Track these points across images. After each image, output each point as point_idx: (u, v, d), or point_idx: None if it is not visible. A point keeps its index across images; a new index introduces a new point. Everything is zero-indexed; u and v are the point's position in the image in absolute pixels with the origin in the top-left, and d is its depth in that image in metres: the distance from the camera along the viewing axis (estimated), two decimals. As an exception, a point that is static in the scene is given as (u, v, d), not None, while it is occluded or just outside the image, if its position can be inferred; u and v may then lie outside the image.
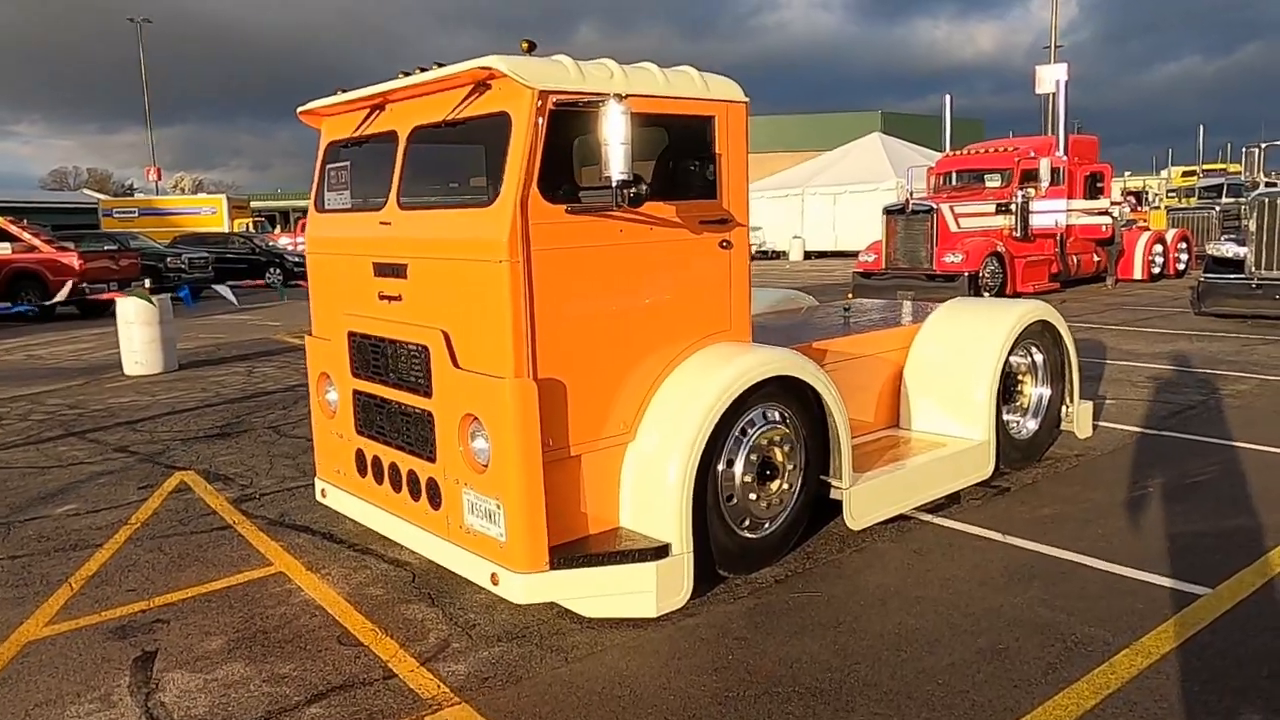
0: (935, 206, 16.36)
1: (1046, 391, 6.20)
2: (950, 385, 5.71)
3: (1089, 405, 6.50)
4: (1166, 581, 4.22)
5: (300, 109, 4.97)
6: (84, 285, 19.33)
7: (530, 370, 3.76)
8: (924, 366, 5.85)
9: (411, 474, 4.37)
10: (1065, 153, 17.72)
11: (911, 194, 18.82)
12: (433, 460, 4.18)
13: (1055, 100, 17.96)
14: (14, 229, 20.39)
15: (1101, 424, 7.22)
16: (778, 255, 37.07)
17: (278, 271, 28.86)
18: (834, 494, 4.71)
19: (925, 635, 3.79)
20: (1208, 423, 7.17)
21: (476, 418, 3.87)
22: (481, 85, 3.90)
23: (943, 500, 5.46)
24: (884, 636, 3.80)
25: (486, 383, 3.79)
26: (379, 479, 4.65)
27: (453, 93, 4.05)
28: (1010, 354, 5.85)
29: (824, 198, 36.01)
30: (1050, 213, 17.11)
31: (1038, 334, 6.05)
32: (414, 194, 4.32)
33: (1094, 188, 18.27)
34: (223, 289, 16.61)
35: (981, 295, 15.97)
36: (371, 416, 4.63)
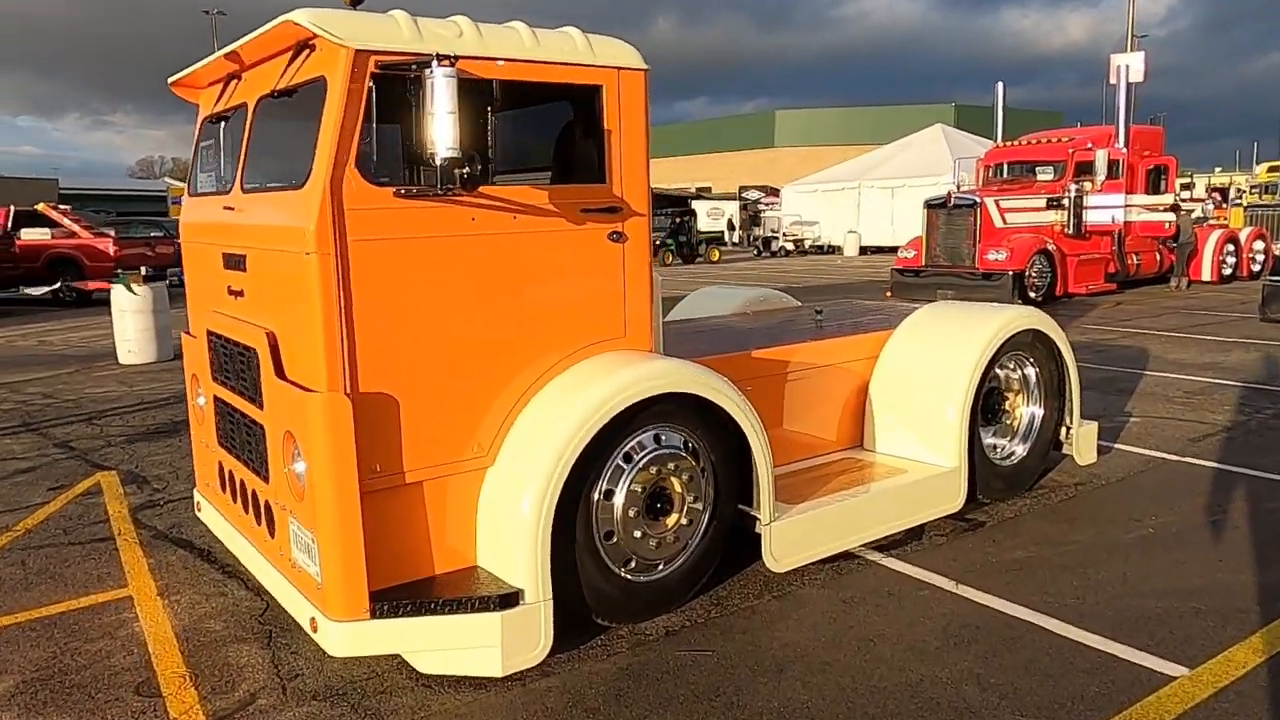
0: (979, 200, 15.33)
1: (1038, 411, 5.40)
2: (918, 402, 4.96)
3: (1093, 427, 5.67)
4: (1136, 656, 3.45)
5: (172, 80, 4.46)
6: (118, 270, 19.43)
7: (347, 383, 3.18)
8: (891, 380, 5.11)
9: (254, 495, 3.84)
10: (1126, 144, 16.48)
11: (959, 186, 17.79)
12: (267, 481, 3.64)
13: (1118, 88, 16.71)
14: (54, 215, 20.64)
15: (1118, 446, 6.36)
16: (833, 250, 35.97)
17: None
18: (758, 528, 4.03)
19: (813, 718, 3.11)
20: (1244, 449, 6.25)
21: (295, 436, 3.31)
22: (306, 46, 3.32)
23: (902, 535, 4.73)
24: (763, 717, 3.12)
25: (299, 397, 3.22)
26: (234, 496, 4.13)
27: (282, 57, 3.49)
28: (992, 368, 5.08)
29: (881, 191, 34.76)
30: (1107, 208, 15.93)
31: (1027, 345, 5.25)
32: (255, 176, 3.77)
33: (1157, 182, 16.98)
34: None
35: (1028, 296, 14.96)
36: (226, 426, 4.11)
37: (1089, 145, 16.07)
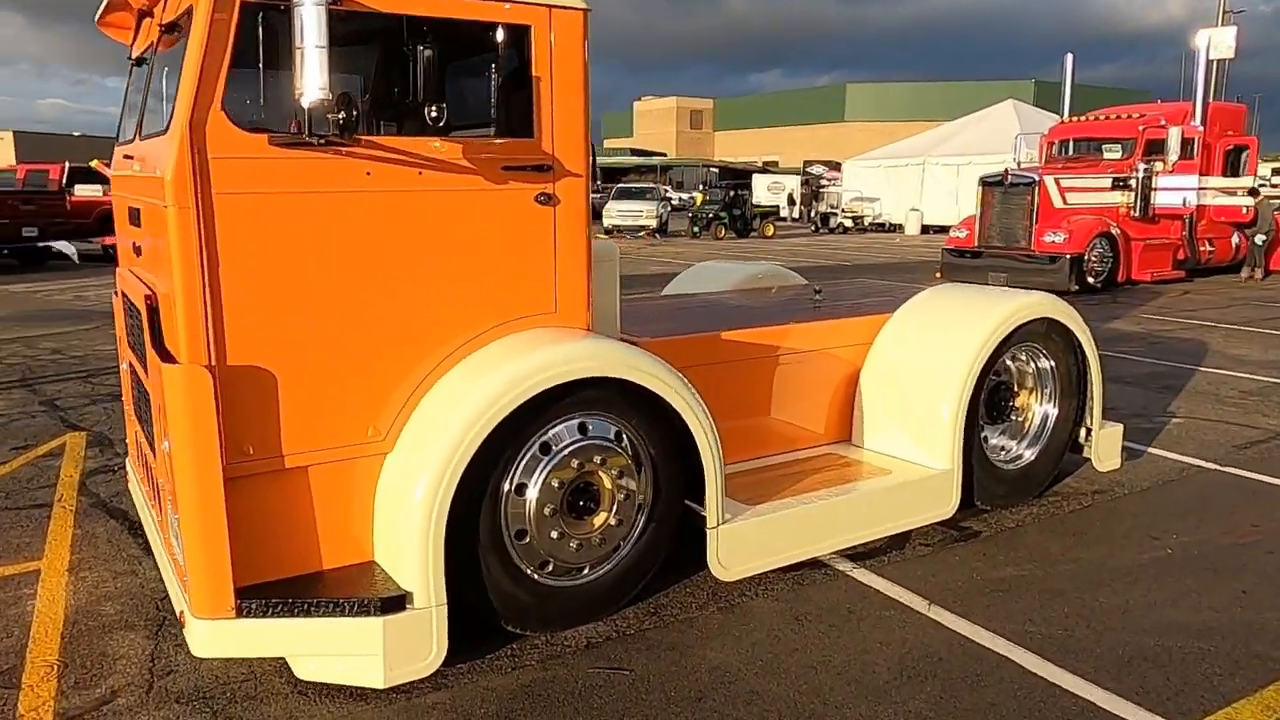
0: (1037, 178, 14.46)
1: (1052, 410, 4.83)
2: (909, 396, 4.45)
3: (1117, 429, 5.08)
4: (1118, 705, 2.95)
5: (97, 18, 4.13)
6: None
7: (211, 354, 2.82)
8: (884, 369, 4.60)
9: (151, 470, 3.54)
10: (1203, 122, 15.38)
11: (1019, 164, 16.88)
12: (156, 456, 3.32)
13: (1196, 62, 15.58)
14: (108, 171, 20.84)
15: (1151, 450, 5.75)
16: (894, 228, 34.88)
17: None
18: (706, 530, 3.60)
19: (721, 760, 2.69)
20: (1293, 459, 5.60)
21: (165, 410, 2.97)
22: (184, -28, 2.94)
23: (883, 542, 4.25)
24: (662, 756, 2.71)
25: (161, 368, 2.87)
26: (143, 470, 3.84)
27: (170, -15, 3.12)
28: (998, 360, 4.54)
29: (947, 168, 33.48)
30: (1178, 190, 14.91)
31: (1041, 336, 4.68)
32: (154, 122, 3.42)
33: (1236, 164, 15.85)
34: None
35: (1086, 281, 14.11)
36: (135, 394, 3.81)
37: (1162, 122, 15.03)
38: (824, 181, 41.94)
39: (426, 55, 3.05)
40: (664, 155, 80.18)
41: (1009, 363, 4.78)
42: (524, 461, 3.21)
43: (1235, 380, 7.86)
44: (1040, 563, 4.07)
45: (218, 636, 2.89)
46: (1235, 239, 16.22)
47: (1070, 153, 16.27)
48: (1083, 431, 4.97)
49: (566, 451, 3.27)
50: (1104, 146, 15.42)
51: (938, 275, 16.06)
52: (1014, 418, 4.83)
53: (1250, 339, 10.01)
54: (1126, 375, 8.03)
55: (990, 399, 4.69)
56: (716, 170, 60.23)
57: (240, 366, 2.87)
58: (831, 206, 36.92)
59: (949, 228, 17.01)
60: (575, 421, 3.30)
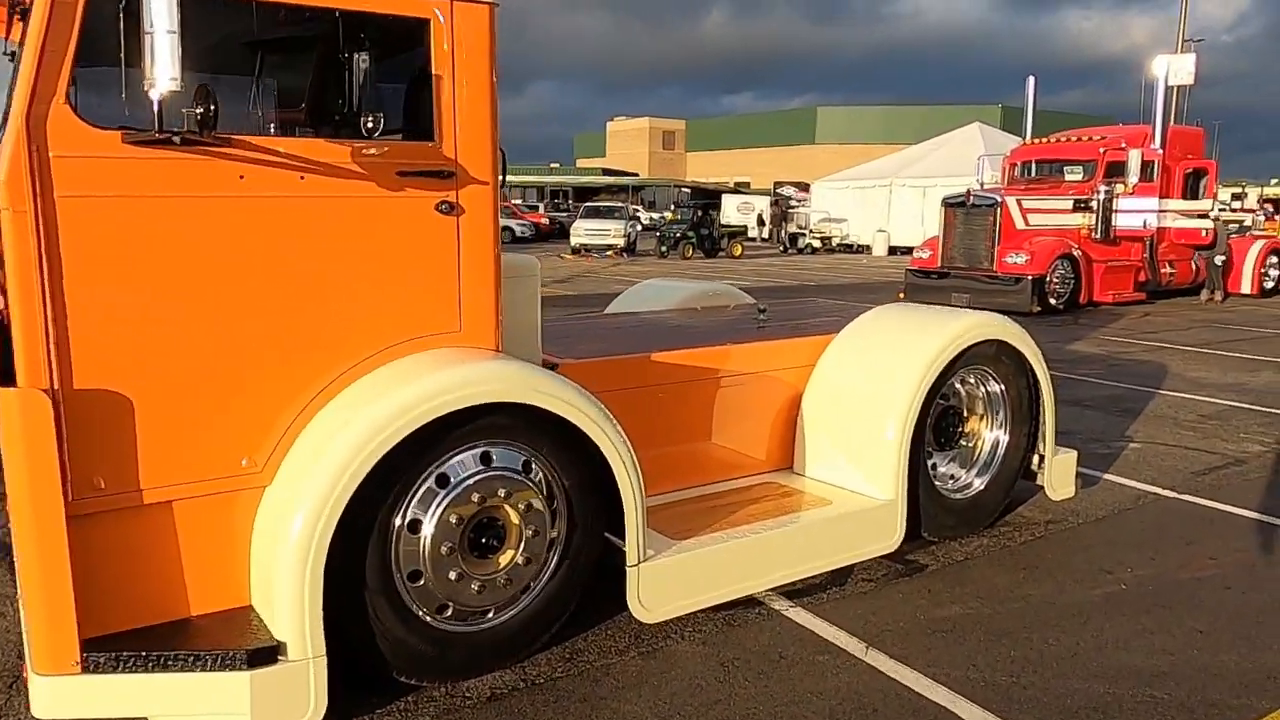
0: (999, 200, 14.39)
1: (1003, 437, 4.61)
2: (852, 421, 4.21)
3: (1070, 456, 4.87)
4: (1064, 764, 2.70)
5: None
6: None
7: (53, 375, 2.51)
8: (826, 393, 4.36)
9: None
10: (1163, 145, 15.43)
11: (983, 185, 16.85)
12: (11, 490, 2.99)
13: (1156, 87, 15.62)
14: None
15: (1108, 477, 5.55)
16: (862, 249, 34.95)
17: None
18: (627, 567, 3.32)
19: (620, 834, 2.40)
20: (1255, 488, 5.41)
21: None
22: (33, -48, 2.65)
23: (824, 577, 3.99)
24: (556, 829, 2.42)
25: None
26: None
27: (23, -32, 2.82)
28: (945, 383, 4.31)
29: (914, 190, 33.64)
30: (1139, 212, 14.91)
31: (990, 359, 4.47)
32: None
33: (1195, 187, 15.91)
34: None
35: (1048, 303, 14.03)
36: None
37: (1122, 145, 15.04)
38: (793, 202, 42.07)
39: (314, 50, 2.78)
40: (636, 175, 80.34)
41: (958, 386, 4.56)
42: (418, 495, 2.91)
43: (1194, 404, 7.71)
44: (987, 600, 3.82)
45: (61, 696, 2.57)
46: (1196, 261, 16.25)
47: (1032, 174, 16.25)
48: (1035, 458, 4.75)
49: (467, 484, 2.98)
50: (1065, 168, 15.41)
51: (901, 295, 15.95)
52: (963, 444, 4.60)
53: (1209, 361, 9.91)
54: (1086, 398, 7.86)
55: (938, 424, 4.46)
56: (689, 190, 60.35)
57: (89, 390, 2.56)
58: (800, 227, 36.94)
59: (915, 249, 16.92)
60: (477, 451, 3.01)
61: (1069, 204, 14.84)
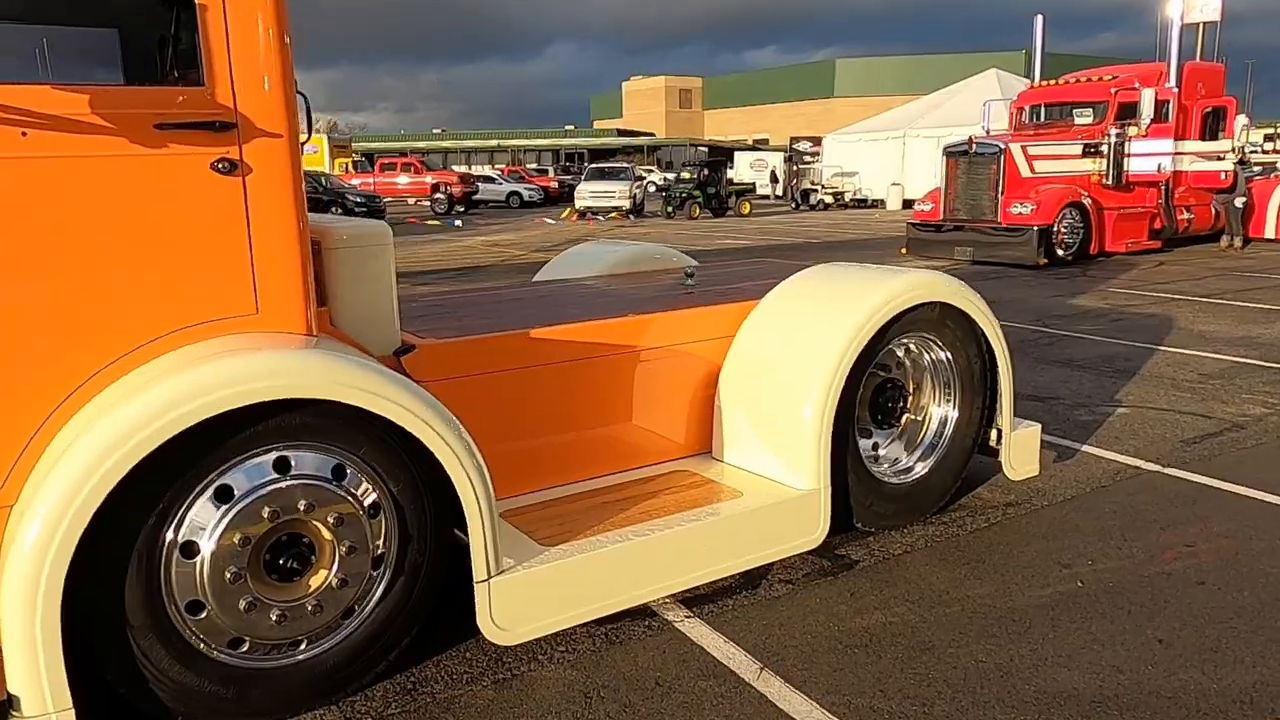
0: (1003, 146, 13.65)
1: (952, 412, 4.07)
2: (770, 399, 3.69)
3: (1033, 431, 4.32)
4: (963, 827, 2.20)
5: None
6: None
7: None
8: (743, 367, 3.84)
9: None
10: (1179, 83, 14.55)
11: (989, 132, 16.05)
12: None
13: (1171, 21, 14.68)
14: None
15: (1086, 448, 5.00)
16: (876, 204, 34.04)
17: (338, 210, 28.25)
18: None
19: None
20: (1251, 459, 4.84)
21: None
22: None
23: (737, 579, 3.51)
24: None
25: None
26: None
27: None
28: (877, 352, 3.77)
29: (927, 141, 32.53)
30: (1152, 155, 14.09)
31: (934, 324, 3.91)
32: None
33: (1214, 127, 15.02)
34: None
35: (1055, 254, 13.33)
36: None
37: (1135, 84, 14.19)
38: (807, 158, 41.11)
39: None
40: (652, 135, 79.27)
41: (901, 355, 4.02)
42: (190, 512, 2.44)
43: (1198, 361, 7.09)
44: (918, 604, 3.32)
45: None
46: (1216, 205, 15.41)
47: (1041, 119, 15.44)
48: (993, 433, 4.21)
49: (255, 497, 2.51)
50: (1074, 111, 14.59)
51: (904, 251, 15.30)
52: (906, 422, 4.07)
53: (1221, 313, 9.24)
54: (1079, 357, 7.27)
55: (874, 400, 3.93)
56: (706, 149, 59.37)
57: None
58: (812, 183, 36.05)
59: (916, 201, 16.19)
60: (269, 457, 2.53)
61: (1078, 149, 14.06)
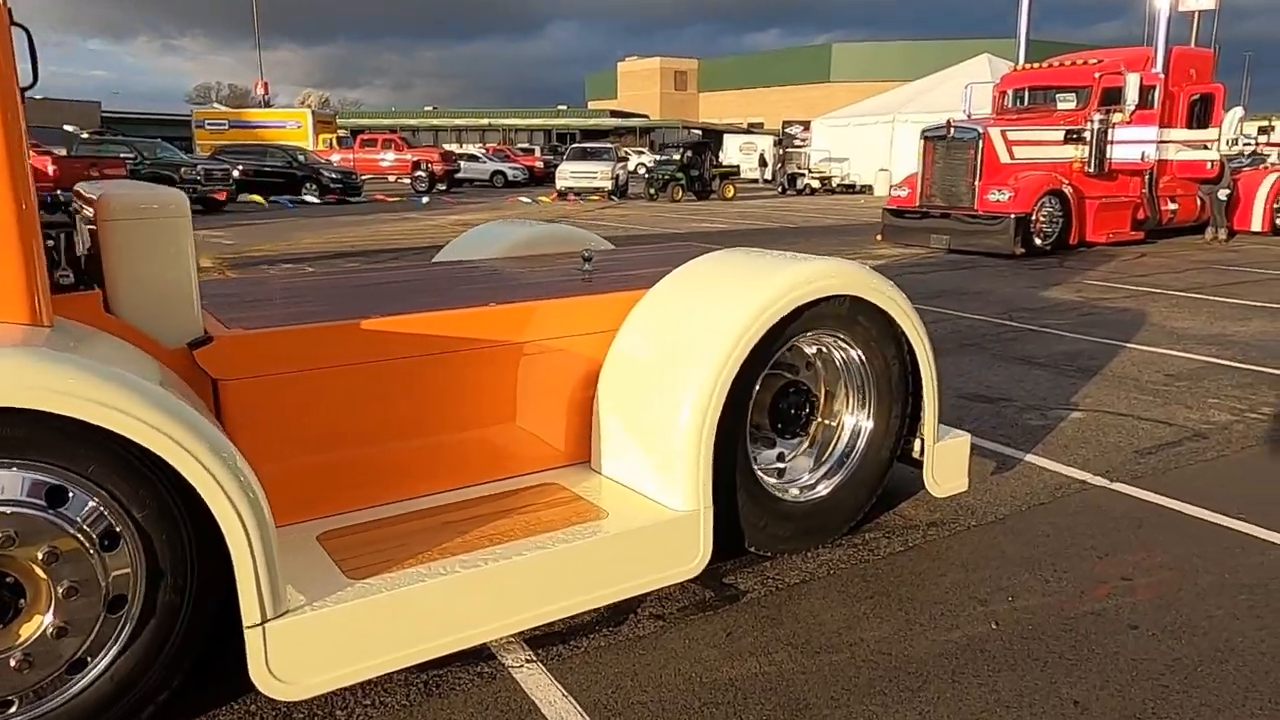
0: (981, 130, 13.13)
1: (865, 421, 3.59)
2: (648, 404, 3.20)
3: (962, 441, 3.84)
4: None
5: None
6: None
7: None
8: (623, 365, 3.35)
9: None
10: (1166, 69, 14.03)
11: (970, 116, 15.53)
12: None
13: (1157, 6, 14.12)
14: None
15: (1030, 458, 4.53)
16: (865, 190, 33.50)
17: (314, 186, 27.59)
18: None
19: None
20: (1207, 472, 4.38)
21: None
22: None
23: (603, 612, 3.03)
24: None
25: None
26: None
27: None
28: (775, 352, 3.28)
29: (916, 126, 31.69)
30: (1136, 143, 13.60)
31: (842, 320, 3.42)
32: None
33: (1203, 114, 14.53)
34: None
35: (1033, 243, 12.85)
36: None
37: (1121, 69, 13.67)
38: (797, 142, 40.56)
39: None
40: (646, 117, 78.45)
41: (812, 355, 3.54)
42: None
43: (1165, 360, 6.62)
44: (803, 649, 2.84)
45: None
46: (1201, 196, 14.94)
47: (1025, 103, 14.93)
48: (916, 444, 3.73)
49: (-65, 528, 2.01)
50: (1057, 96, 14.07)
51: (878, 238, 14.82)
52: (817, 430, 3.59)
53: (1197, 308, 8.77)
54: (1039, 355, 6.79)
55: (777, 406, 3.45)
56: (700, 132, 58.73)
57: None
58: (799, 167, 35.48)
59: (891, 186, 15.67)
60: (-49, 480, 2.03)
61: (1059, 135, 13.56)
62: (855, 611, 3.06)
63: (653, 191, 28.71)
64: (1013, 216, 12.62)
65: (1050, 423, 5.13)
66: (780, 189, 35.07)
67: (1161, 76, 13.88)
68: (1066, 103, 13.90)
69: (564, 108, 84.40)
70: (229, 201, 23.32)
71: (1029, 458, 4.55)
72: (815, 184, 33.97)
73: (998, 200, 12.82)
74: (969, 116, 15.34)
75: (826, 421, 3.63)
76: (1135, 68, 13.70)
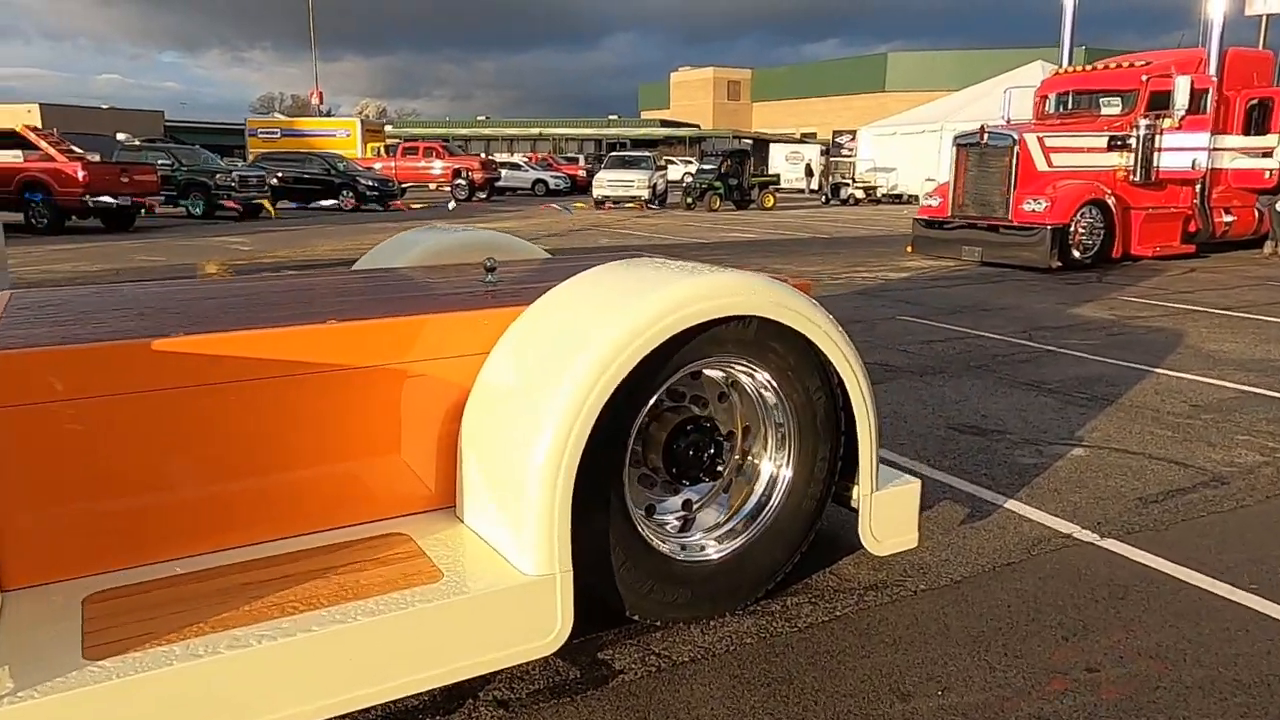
0: (1017, 137, 12.37)
1: (783, 466, 3.02)
2: (503, 441, 2.68)
3: (910, 489, 3.23)
4: None
5: None
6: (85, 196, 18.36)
7: None
8: (487, 397, 2.83)
9: None
10: (1220, 71, 13.12)
11: (1009, 121, 14.74)
12: None
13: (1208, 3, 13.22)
14: (33, 137, 19.58)
15: (1010, 505, 3.91)
16: (911, 200, 32.56)
17: (349, 194, 27.61)
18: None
19: None
20: (1219, 526, 3.71)
21: None
22: None
23: (437, 694, 2.52)
24: None
25: None
26: None
27: None
28: (662, 381, 2.74)
29: (965, 135, 31.01)
30: (1187, 150, 12.69)
31: (749, 346, 2.86)
32: None
33: (1261, 121, 13.56)
34: None
35: (1071, 256, 12.05)
36: None
37: (1170, 71, 12.80)
38: (845, 151, 39.76)
39: None
40: (696, 126, 78.05)
41: (724, 385, 2.99)
42: None
43: (1194, 388, 5.90)
44: (662, 755, 2.29)
45: None
46: (1260, 207, 13.95)
47: (1069, 108, 14.10)
48: (855, 490, 3.15)
49: None
50: (1101, 100, 13.24)
51: (909, 250, 14.11)
52: (727, 475, 3.03)
53: (1240, 330, 7.97)
54: (1053, 379, 6.12)
55: (669, 446, 2.90)
56: (750, 142, 58.15)
57: None
58: (843, 176, 34.67)
59: (921, 196, 14.94)
60: None
61: (1103, 141, 12.74)
62: (742, 705, 2.49)
63: (690, 200, 28.20)
64: (1049, 227, 11.84)
65: (1045, 461, 4.49)
66: (824, 199, 34.31)
67: (1215, 80, 12.97)
68: (1111, 108, 13.06)
69: (614, 117, 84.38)
70: (259, 209, 23.38)
71: (1009, 504, 3.92)
72: (860, 194, 33.16)
73: (1033, 210, 12.05)
74: (1007, 122, 14.55)
75: (741, 464, 3.07)
76: (1187, 70, 12.81)
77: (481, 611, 2.45)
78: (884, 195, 33.36)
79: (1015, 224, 12.24)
